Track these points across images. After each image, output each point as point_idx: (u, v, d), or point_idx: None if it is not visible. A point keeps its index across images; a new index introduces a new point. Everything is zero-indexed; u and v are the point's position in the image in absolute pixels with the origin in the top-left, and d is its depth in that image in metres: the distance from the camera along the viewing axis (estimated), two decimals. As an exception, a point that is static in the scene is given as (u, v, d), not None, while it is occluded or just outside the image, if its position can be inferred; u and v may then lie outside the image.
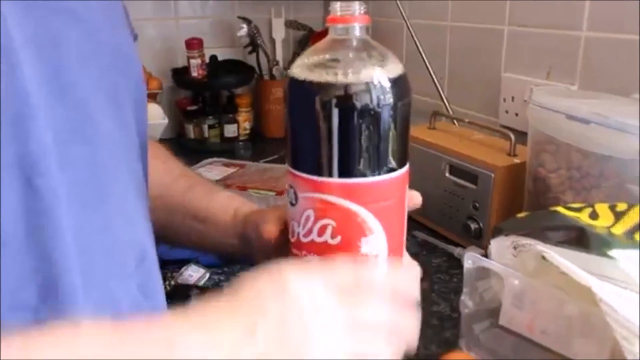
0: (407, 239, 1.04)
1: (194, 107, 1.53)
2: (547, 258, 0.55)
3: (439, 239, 0.95)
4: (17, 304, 0.37)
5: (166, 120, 1.39)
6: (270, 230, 0.50)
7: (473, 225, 0.89)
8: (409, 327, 0.43)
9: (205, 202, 0.62)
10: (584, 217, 0.57)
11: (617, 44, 0.87)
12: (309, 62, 0.43)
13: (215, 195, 0.63)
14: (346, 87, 0.40)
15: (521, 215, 0.62)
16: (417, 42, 1.17)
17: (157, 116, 1.35)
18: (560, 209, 0.58)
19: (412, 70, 1.36)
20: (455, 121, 1.08)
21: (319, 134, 0.41)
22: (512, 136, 0.89)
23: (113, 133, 0.46)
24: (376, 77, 0.41)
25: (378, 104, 0.41)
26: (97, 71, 0.44)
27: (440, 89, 1.16)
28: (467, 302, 0.61)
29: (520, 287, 0.57)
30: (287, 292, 0.39)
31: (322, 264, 0.42)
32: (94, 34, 0.44)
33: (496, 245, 0.60)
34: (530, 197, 0.80)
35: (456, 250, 0.90)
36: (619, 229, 0.55)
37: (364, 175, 0.42)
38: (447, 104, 1.15)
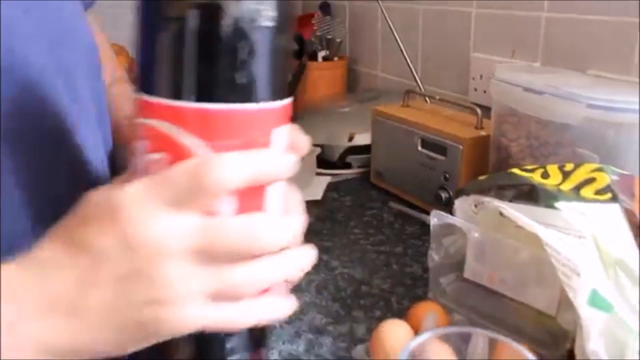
0: (383, 210, 1.10)
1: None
2: (503, 213, 0.61)
3: (412, 209, 1.01)
4: None
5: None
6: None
7: (444, 195, 0.96)
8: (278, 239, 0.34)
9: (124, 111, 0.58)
10: (536, 177, 0.63)
11: (575, 24, 0.94)
12: None
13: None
14: None
15: (482, 177, 0.68)
16: (391, 25, 1.23)
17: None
18: (515, 170, 0.65)
19: (386, 52, 1.43)
20: (427, 99, 1.15)
21: (155, 41, 0.34)
22: (479, 111, 0.95)
23: (64, 107, 0.45)
24: None
25: (231, 17, 0.33)
26: (45, 46, 0.44)
27: (413, 69, 1.22)
28: (433, 256, 0.67)
29: (480, 240, 0.64)
30: (119, 221, 0.32)
31: (156, 176, 0.33)
32: (40, 9, 0.44)
33: (459, 204, 0.66)
34: (494, 166, 0.86)
35: (428, 218, 0.96)
36: (567, 186, 0.62)
37: (205, 99, 0.33)
38: (420, 83, 1.21)
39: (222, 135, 0.34)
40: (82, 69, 0.50)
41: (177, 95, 0.34)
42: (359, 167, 1.18)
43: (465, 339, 0.57)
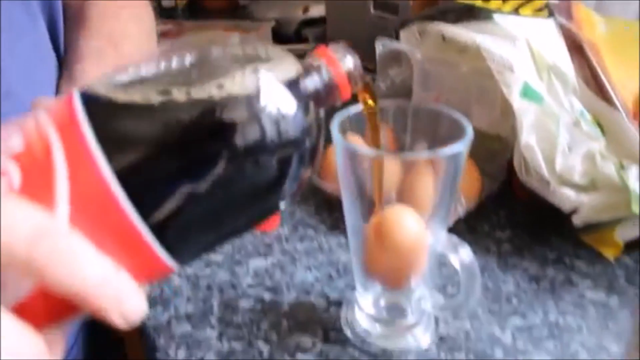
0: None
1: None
2: (445, 37, 0.63)
3: (368, 72, 1.02)
4: None
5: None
6: None
7: (396, 53, 0.97)
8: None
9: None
10: (477, 2, 0.65)
11: None
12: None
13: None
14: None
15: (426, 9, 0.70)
16: None
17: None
18: (457, -4, 0.66)
19: None
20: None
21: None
22: (430, -31, 0.96)
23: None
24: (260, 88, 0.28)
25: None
26: None
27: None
28: (379, 85, 0.69)
29: (425, 64, 0.66)
30: None
31: None
32: None
33: (404, 35, 0.68)
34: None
35: (382, 78, 0.98)
36: (507, 8, 0.64)
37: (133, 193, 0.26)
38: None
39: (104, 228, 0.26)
40: None
41: (108, 150, 0.25)
42: (315, 39, 1.19)
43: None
